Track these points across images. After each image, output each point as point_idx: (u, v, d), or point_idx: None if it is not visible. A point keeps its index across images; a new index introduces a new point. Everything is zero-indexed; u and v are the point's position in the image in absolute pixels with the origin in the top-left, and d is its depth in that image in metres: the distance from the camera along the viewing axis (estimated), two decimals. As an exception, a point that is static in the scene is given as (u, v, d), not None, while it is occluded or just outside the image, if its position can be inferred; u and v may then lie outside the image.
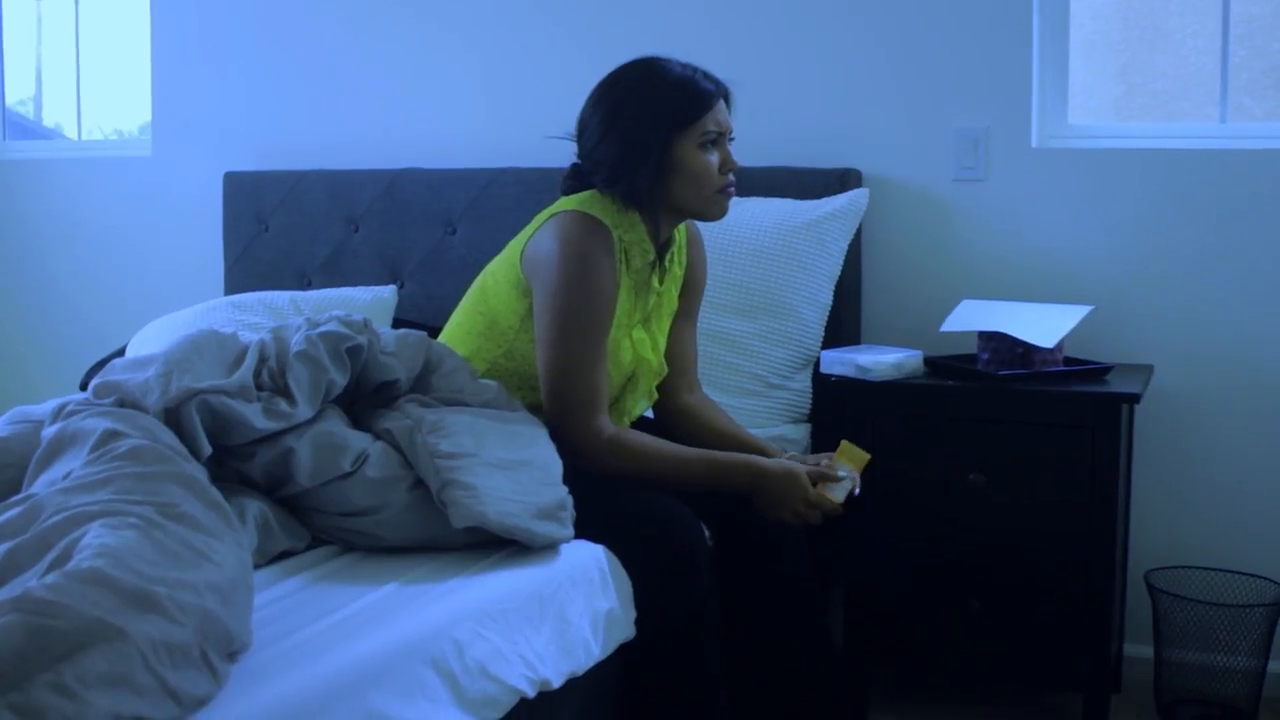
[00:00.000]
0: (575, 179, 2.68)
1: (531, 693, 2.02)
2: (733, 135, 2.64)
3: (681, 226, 2.76)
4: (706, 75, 2.61)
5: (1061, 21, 3.42)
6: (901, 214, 3.49)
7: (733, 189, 2.65)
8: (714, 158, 2.59)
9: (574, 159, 2.69)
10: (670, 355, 2.81)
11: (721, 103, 2.61)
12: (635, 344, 2.66)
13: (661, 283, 2.71)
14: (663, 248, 2.70)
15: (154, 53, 4.30)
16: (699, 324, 3.17)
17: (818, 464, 2.59)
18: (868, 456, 2.60)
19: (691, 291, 2.86)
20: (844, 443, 2.64)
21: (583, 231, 2.53)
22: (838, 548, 3.06)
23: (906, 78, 3.48)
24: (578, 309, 2.50)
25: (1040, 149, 3.41)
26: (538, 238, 2.59)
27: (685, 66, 2.61)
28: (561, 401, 2.51)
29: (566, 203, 2.62)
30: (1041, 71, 3.41)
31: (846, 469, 2.57)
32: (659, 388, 2.81)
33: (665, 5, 3.64)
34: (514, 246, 2.66)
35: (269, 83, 4.16)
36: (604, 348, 2.53)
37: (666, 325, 2.78)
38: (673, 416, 2.85)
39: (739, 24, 3.59)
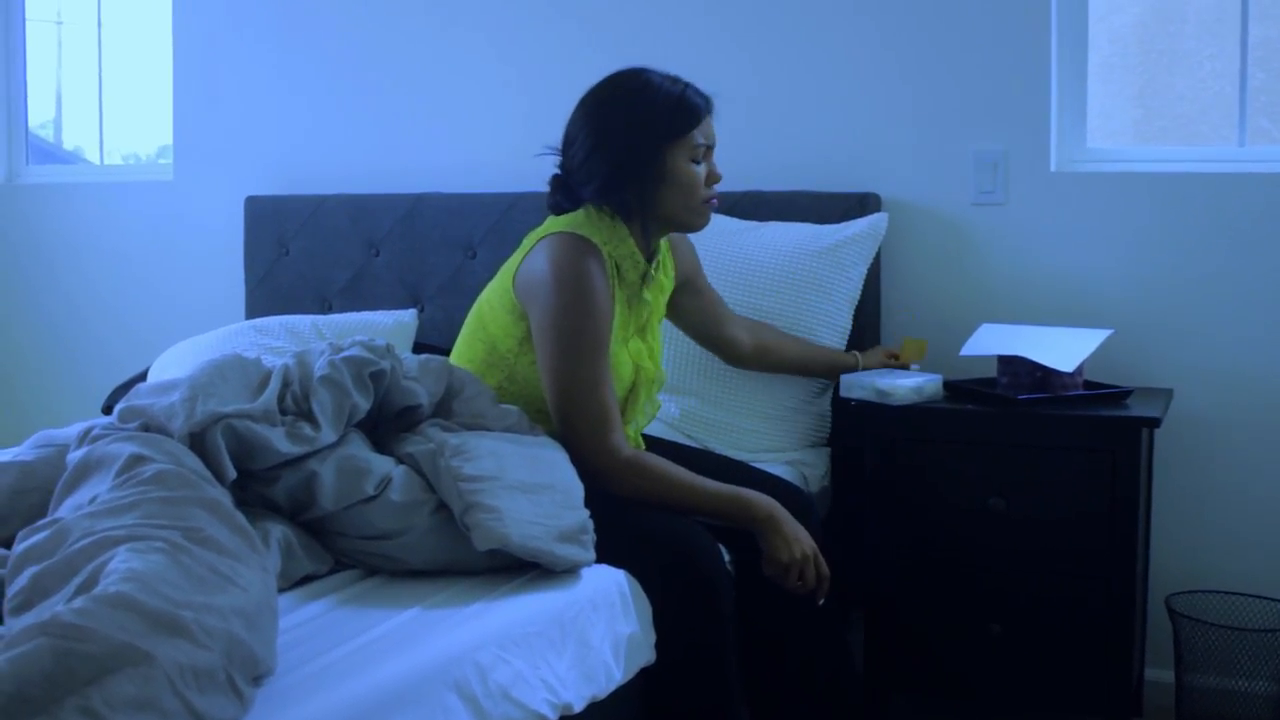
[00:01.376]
0: (561, 193, 2.69)
1: (553, 717, 2.02)
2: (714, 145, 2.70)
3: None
4: (695, 89, 2.66)
5: (1080, 45, 3.42)
6: (921, 238, 3.49)
7: (716, 201, 2.71)
8: (700, 170, 2.64)
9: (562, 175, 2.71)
10: (709, 318, 3.04)
11: (709, 115, 2.66)
12: (633, 355, 2.67)
13: (652, 290, 2.73)
14: (650, 257, 2.71)
15: (175, 77, 4.33)
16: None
17: (892, 360, 3.13)
18: (925, 342, 3.22)
19: (691, 270, 2.95)
20: (906, 339, 3.26)
21: (574, 252, 2.54)
22: (857, 570, 3.06)
23: (925, 102, 3.48)
24: (576, 331, 2.51)
25: (1059, 172, 3.41)
26: (529, 261, 2.60)
27: (673, 79, 2.65)
28: (572, 424, 2.52)
29: (554, 224, 2.63)
30: (1060, 95, 3.42)
31: (916, 365, 3.17)
32: (720, 345, 3.09)
33: (684, 32, 3.66)
34: (505, 272, 2.68)
35: (290, 107, 4.18)
36: (607, 367, 2.54)
37: (659, 332, 2.81)
38: (746, 358, 3.14)
39: (761, 50, 3.60)
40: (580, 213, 2.64)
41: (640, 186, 2.59)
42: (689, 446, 3.01)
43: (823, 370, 3.20)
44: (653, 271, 2.71)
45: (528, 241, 2.66)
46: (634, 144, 2.58)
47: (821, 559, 2.51)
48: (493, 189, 3.77)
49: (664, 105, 2.60)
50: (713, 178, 2.67)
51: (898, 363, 3.16)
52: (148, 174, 4.62)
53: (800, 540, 2.48)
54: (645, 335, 2.73)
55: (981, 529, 2.97)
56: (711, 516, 2.50)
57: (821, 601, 2.53)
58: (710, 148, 2.66)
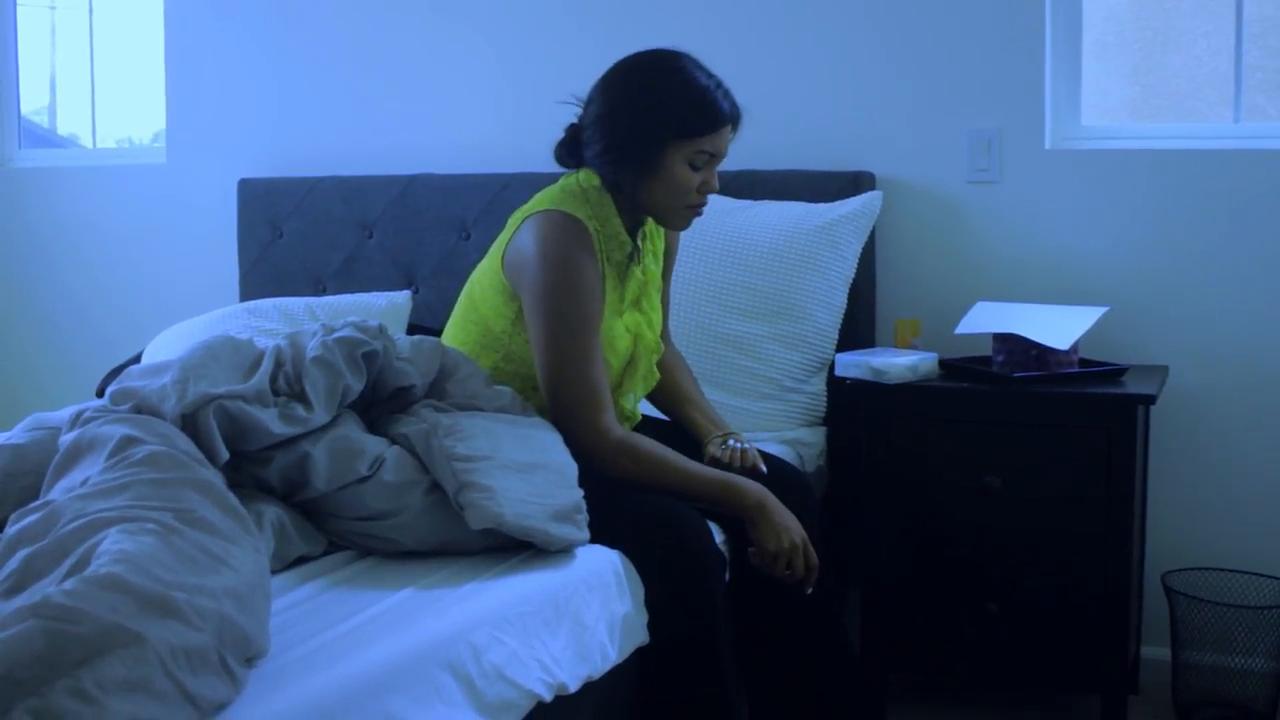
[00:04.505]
0: (568, 146, 2.66)
1: (548, 697, 2.02)
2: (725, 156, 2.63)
3: None
4: (727, 94, 2.57)
5: (1074, 22, 3.41)
6: (915, 216, 3.49)
7: (703, 208, 2.64)
8: (697, 177, 2.57)
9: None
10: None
11: (728, 128, 2.58)
12: (630, 326, 2.66)
13: (641, 264, 2.71)
14: (635, 232, 2.68)
15: (168, 61, 4.31)
16: (712, 326, 3.19)
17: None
18: (919, 321, 3.29)
19: (665, 257, 2.85)
20: (898, 320, 3.29)
21: (561, 231, 2.52)
22: (854, 550, 3.06)
23: (919, 80, 3.48)
24: (565, 310, 2.49)
25: (1054, 150, 3.40)
26: (517, 241, 2.58)
27: (711, 78, 2.57)
28: (562, 403, 2.51)
29: (540, 202, 2.61)
30: (1054, 73, 3.41)
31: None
32: None
33: (679, 10, 3.65)
34: (494, 252, 2.66)
35: (283, 90, 4.17)
36: (596, 346, 2.52)
37: (656, 300, 2.78)
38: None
39: (754, 28, 3.59)
40: (568, 187, 2.62)
41: (632, 169, 2.56)
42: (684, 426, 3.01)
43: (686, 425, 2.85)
44: (640, 243, 2.69)
45: (514, 220, 2.64)
46: (638, 127, 2.54)
47: (811, 548, 2.49)
48: (486, 169, 3.76)
49: (684, 101, 2.53)
50: (707, 186, 2.59)
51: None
52: (141, 157, 4.61)
53: (790, 529, 2.47)
54: (641, 305, 2.72)
55: (977, 507, 2.97)
56: (701, 502, 2.49)
57: (810, 590, 2.51)
58: (715, 157, 2.58)
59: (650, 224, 2.73)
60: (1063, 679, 2.98)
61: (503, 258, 2.60)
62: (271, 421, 2.17)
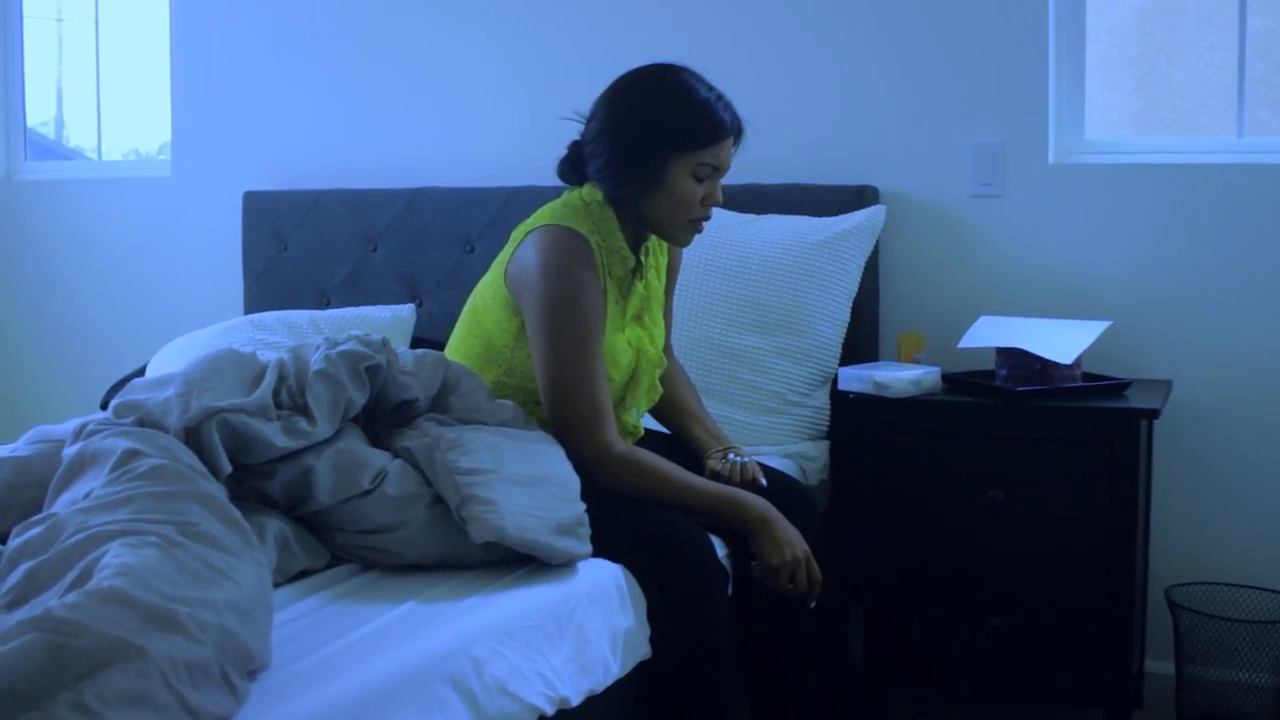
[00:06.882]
0: (571, 163, 2.67)
1: (550, 711, 2.02)
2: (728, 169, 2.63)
3: None
4: (728, 107, 2.58)
5: (1078, 37, 3.42)
6: (919, 230, 3.49)
7: (706, 223, 2.64)
8: (700, 189, 2.57)
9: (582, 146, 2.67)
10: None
11: (730, 140, 2.58)
12: (632, 341, 2.66)
13: (644, 279, 2.71)
14: (637, 247, 2.69)
15: (173, 73, 4.32)
16: (715, 340, 3.19)
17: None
18: (922, 335, 3.28)
19: (668, 274, 2.85)
20: (901, 335, 3.28)
21: (562, 246, 2.52)
22: (857, 564, 3.05)
23: (923, 94, 3.48)
24: (566, 325, 2.49)
25: (1057, 164, 3.41)
26: (519, 255, 2.59)
27: (711, 90, 2.58)
28: (564, 418, 2.51)
29: (542, 217, 2.61)
30: (1058, 87, 3.41)
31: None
32: None
33: (684, 25, 3.66)
34: (497, 267, 2.66)
35: (288, 102, 4.17)
36: (598, 361, 2.52)
37: (659, 315, 2.78)
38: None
39: (759, 43, 3.60)
40: (570, 202, 2.63)
41: (635, 183, 2.56)
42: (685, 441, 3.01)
43: (687, 439, 2.85)
44: (643, 258, 2.69)
45: (517, 234, 2.64)
46: (640, 141, 2.54)
47: (814, 562, 2.49)
48: (490, 183, 3.77)
49: (685, 113, 2.53)
50: (710, 200, 2.59)
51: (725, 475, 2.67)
52: (146, 170, 4.62)
53: (792, 543, 2.46)
54: (644, 320, 2.72)
55: (981, 522, 2.96)
56: (703, 516, 2.49)
57: (812, 605, 2.51)
58: (719, 170, 2.58)
59: (653, 239, 2.73)
60: (1066, 693, 2.98)
61: (505, 272, 2.61)
62: (274, 435, 2.17)
